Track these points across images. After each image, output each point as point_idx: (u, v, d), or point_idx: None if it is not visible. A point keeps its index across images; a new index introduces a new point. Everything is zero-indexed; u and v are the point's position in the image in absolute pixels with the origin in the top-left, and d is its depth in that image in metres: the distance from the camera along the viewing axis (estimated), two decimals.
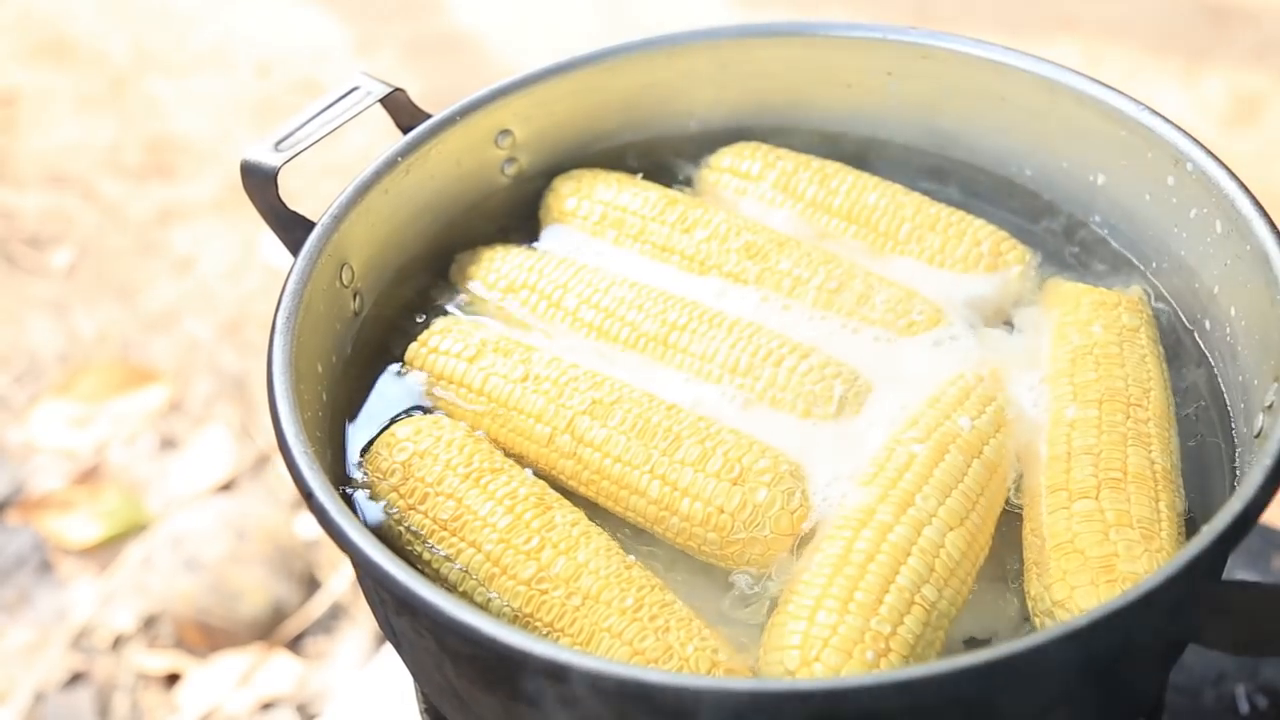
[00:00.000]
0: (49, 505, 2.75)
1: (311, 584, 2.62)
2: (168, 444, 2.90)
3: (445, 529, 1.04)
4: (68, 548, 2.67)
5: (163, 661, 2.48)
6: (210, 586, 2.54)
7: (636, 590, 0.97)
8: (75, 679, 2.48)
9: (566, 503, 1.07)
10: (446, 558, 1.04)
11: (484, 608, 1.01)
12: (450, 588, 1.03)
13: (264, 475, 2.83)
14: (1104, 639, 0.84)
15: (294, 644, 2.54)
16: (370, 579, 0.94)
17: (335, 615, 2.59)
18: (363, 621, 2.56)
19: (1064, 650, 0.83)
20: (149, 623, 2.53)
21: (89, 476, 2.81)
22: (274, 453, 2.88)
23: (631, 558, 1.03)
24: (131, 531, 2.69)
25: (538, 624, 0.98)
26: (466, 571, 1.02)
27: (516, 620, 0.99)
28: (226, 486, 2.80)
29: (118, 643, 2.51)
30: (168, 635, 2.52)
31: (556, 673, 0.84)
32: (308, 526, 2.72)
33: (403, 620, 0.98)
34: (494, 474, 1.06)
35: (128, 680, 2.48)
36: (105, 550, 2.67)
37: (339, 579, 2.61)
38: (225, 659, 2.49)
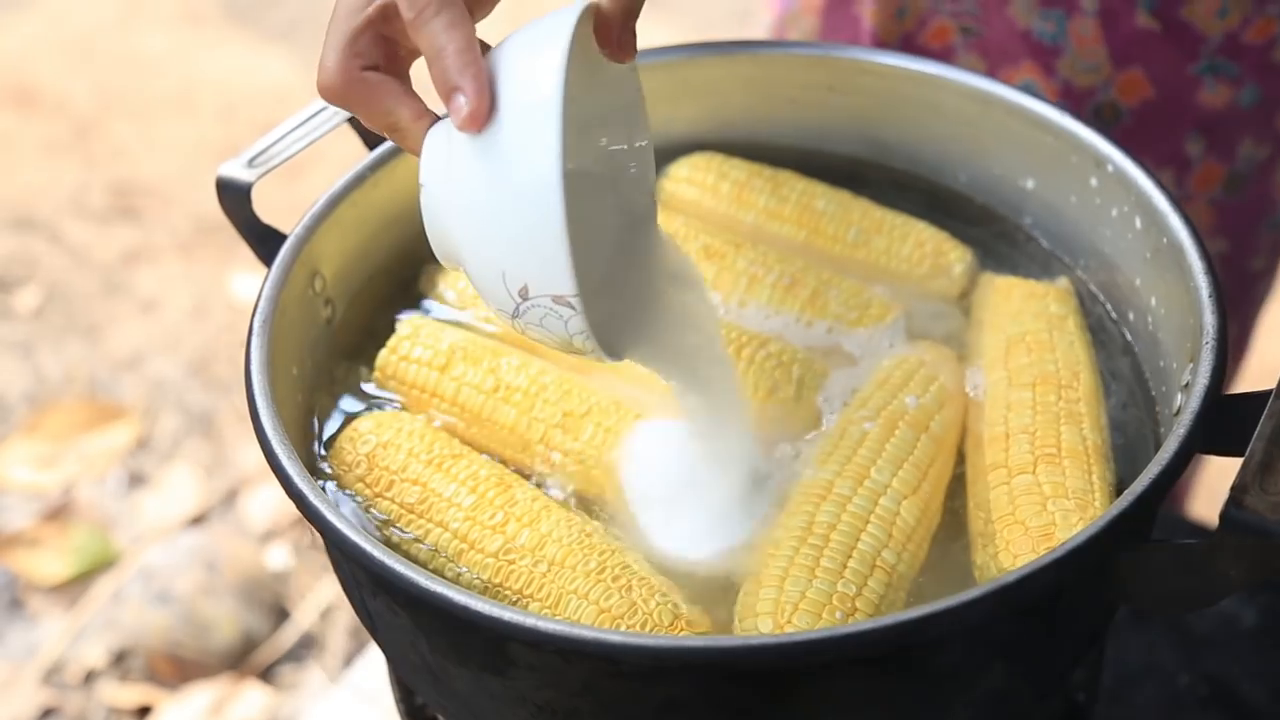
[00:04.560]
0: (18, 543, 2.76)
1: (281, 614, 2.64)
2: (136, 480, 2.92)
3: (413, 512, 1.10)
4: (37, 585, 2.68)
5: (134, 695, 2.50)
6: (181, 619, 2.56)
7: (599, 554, 1.03)
8: (47, 715, 2.49)
9: (524, 480, 1.13)
10: (416, 539, 1.09)
11: (454, 582, 1.06)
12: (420, 566, 1.08)
13: (233, 509, 2.86)
14: (1034, 594, 0.91)
15: (265, 674, 2.56)
16: (346, 560, 0.99)
17: (306, 645, 2.61)
18: (333, 649, 2.59)
19: (993, 605, 0.89)
20: (120, 657, 2.54)
21: (58, 514, 2.83)
22: (242, 486, 2.91)
23: (591, 525, 1.08)
24: (101, 567, 2.70)
25: (507, 592, 1.04)
26: (436, 550, 1.08)
27: (487, 590, 1.05)
28: (196, 521, 2.83)
29: (89, 677, 2.52)
30: (139, 669, 2.53)
31: (520, 636, 0.89)
32: (277, 558, 2.74)
33: (379, 601, 1.03)
34: (454, 459, 1.12)
35: (99, 714, 2.49)
36: (75, 586, 2.68)
37: (308, 609, 2.64)
38: (196, 690, 2.50)
